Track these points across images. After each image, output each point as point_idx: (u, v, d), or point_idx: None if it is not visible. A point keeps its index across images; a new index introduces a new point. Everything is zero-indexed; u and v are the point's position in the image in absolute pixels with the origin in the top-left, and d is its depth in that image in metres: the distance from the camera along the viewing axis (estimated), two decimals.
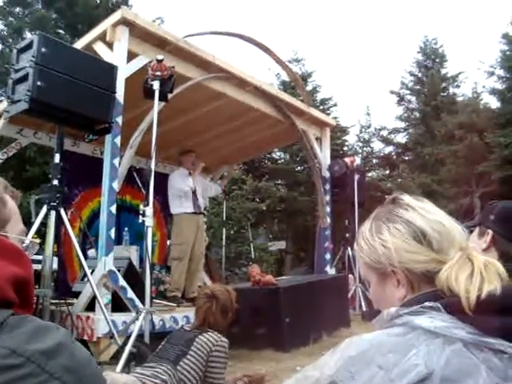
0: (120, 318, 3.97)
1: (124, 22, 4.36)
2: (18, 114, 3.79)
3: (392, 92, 23.19)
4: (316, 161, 6.99)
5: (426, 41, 22.88)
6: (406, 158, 21.73)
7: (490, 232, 1.58)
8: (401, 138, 23.06)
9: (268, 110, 6.11)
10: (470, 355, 0.73)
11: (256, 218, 16.37)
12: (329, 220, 6.83)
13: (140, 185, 4.59)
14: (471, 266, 0.81)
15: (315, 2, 73.40)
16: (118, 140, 4.24)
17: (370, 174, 20.37)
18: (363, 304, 7.12)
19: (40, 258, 3.78)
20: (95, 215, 5.80)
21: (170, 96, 4.02)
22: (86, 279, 4.11)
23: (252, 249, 12.34)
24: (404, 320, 0.80)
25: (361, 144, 23.05)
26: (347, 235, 8.02)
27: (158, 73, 3.73)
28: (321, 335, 4.63)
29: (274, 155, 19.73)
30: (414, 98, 22.85)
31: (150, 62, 3.94)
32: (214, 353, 2.45)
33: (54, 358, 0.58)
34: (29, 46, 3.60)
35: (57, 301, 4.09)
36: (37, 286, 3.42)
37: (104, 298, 3.95)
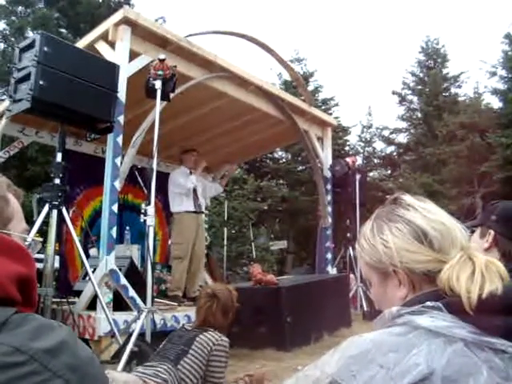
0: (121, 317, 3.98)
1: (126, 21, 4.37)
2: (20, 113, 3.79)
3: (394, 92, 23.14)
4: (317, 160, 6.99)
5: (427, 41, 22.83)
6: (408, 158, 21.67)
7: (492, 232, 1.58)
8: (402, 138, 23.04)
9: (270, 109, 6.12)
10: (471, 355, 0.73)
11: (257, 217, 16.38)
12: (330, 220, 6.83)
13: (142, 184, 4.58)
14: (472, 266, 0.81)
15: (317, 1, 73.38)
16: (119, 139, 4.24)
17: (371, 174, 20.34)
18: (364, 304, 7.11)
19: (42, 256, 3.79)
20: (97, 214, 5.81)
21: (171, 95, 4.02)
22: (87, 278, 4.12)
23: (253, 248, 12.33)
24: (405, 319, 0.80)
25: (362, 144, 23.01)
26: (348, 235, 8.01)
27: (160, 72, 3.74)
28: (322, 335, 4.63)
29: (275, 155, 19.72)
30: (415, 98, 22.80)
31: (152, 61, 3.94)
32: (214, 352, 2.45)
33: (57, 357, 0.58)
34: (31, 45, 3.61)
35: (58, 299, 4.10)
36: (38, 285, 3.42)
37: (105, 296, 3.95)
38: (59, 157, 3.78)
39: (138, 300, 4.01)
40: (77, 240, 3.92)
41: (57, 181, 3.73)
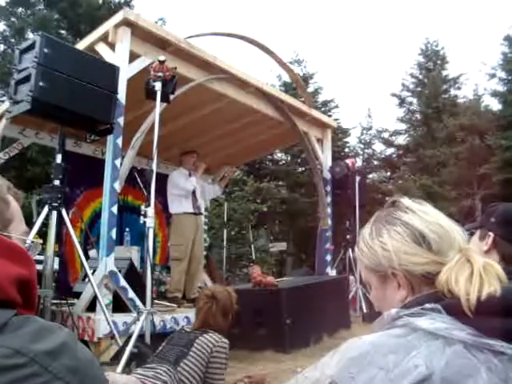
0: (121, 318, 3.97)
1: (126, 22, 4.37)
2: (20, 115, 3.80)
3: (393, 94, 23.17)
4: (317, 162, 6.99)
5: (427, 43, 22.86)
6: (407, 160, 21.67)
7: (491, 234, 1.57)
8: (402, 140, 23.04)
9: (269, 111, 6.12)
10: (470, 356, 0.74)
11: (257, 219, 16.37)
12: (330, 221, 6.83)
13: (141, 185, 4.58)
14: (470, 268, 0.81)
15: (317, 3, 73.46)
16: (119, 141, 4.24)
17: (370, 176, 20.34)
18: (364, 306, 7.11)
19: (41, 258, 3.78)
20: (97, 215, 5.81)
21: (171, 97, 4.02)
22: (87, 279, 4.11)
23: (253, 250, 12.33)
24: (404, 321, 0.80)
25: (362, 146, 23.03)
26: (348, 237, 8.02)
27: (160, 74, 3.74)
28: (321, 337, 4.63)
29: (275, 156, 19.72)
30: (415, 100, 22.81)
31: (152, 62, 3.95)
32: (214, 354, 2.45)
33: (58, 359, 0.58)
34: (31, 47, 3.61)
35: (58, 301, 4.10)
36: (38, 287, 3.42)
37: (105, 298, 3.95)
38: (59, 158, 3.78)
39: (138, 301, 4.01)
40: (76, 241, 3.92)
41: (56, 182, 3.73)
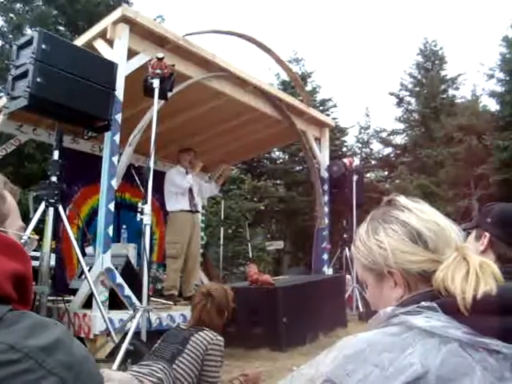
0: (117, 315, 3.97)
1: (124, 19, 4.36)
2: (18, 111, 3.79)
3: (391, 93, 23.19)
4: (315, 161, 7.00)
5: (425, 42, 22.88)
6: (405, 160, 21.70)
7: (487, 235, 1.57)
8: (400, 140, 23.09)
9: (267, 109, 6.12)
10: (465, 355, 0.74)
11: (254, 217, 16.36)
12: (327, 220, 6.83)
13: (138, 183, 4.58)
14: (467, 266, 0.81)
15: (316, 2, 73.44)
16: (117, 137, 4.24)
17: (368, 175, 20.39)
18: (360, 304, 7.13)
19: (38, 254, 3.78)
20: (94, 212, 5.79)
21: (169, 94, 4.02)
22: (83, 276, 4.11)
23: (250, 248, 12.33)
24: (400, 319, 0.80)
25: (360, 145, 23.07)
26: (345, 236, 8.04)
27: (158, 71, 3.74)
28: (317, 335, 4.64)
29: (272, 155, 19.73)
30: (413, 100, 22.85)
31: (150, 60, 3.94)
32: (209, 351, 2.45)
33: (53, 354, 0.58)
34: (29, 43, 3.60)
35: (54, 298, 4.09)
36: (34, 283, 3.41)
37: (101, 295, 3.95)
38: (56, 155, 3.78)
39: (134, 299, 4.01)
40: (73, 238, 3.91)
41: (53, 179, 3.73)
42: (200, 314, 2.62)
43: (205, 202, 7.90)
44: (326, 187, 6.95)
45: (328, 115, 15.35)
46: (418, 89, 22.50)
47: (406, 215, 0.91)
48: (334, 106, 20.71)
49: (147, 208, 3.58)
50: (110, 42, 4.42)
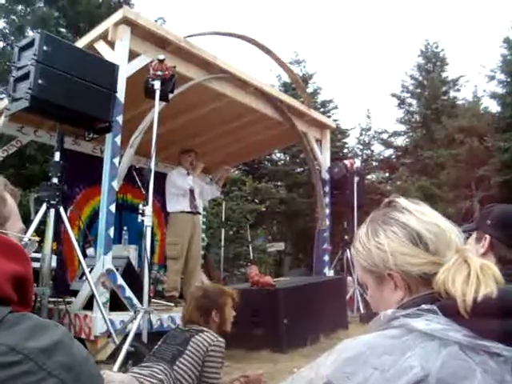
0: (118, 317, 3.97)
1: (126, 21, 4.37)
2: (19, 112, 3.79)
3: (393, 95, 23.17)
4: (316, 163, 6.99)
5: (426, 44, 22.86)
6: (406, 161, 21.68)
7: (488, 237, 1.55)
8: (401, 141, 23.07)
9: (268, 111, 6.12)
10: (465, 358, 0.74)
11: (255, 219, 16.36)
12: (328, 222, 6.83)
13: (140, 184, 4.58)
14: (468, 269, 0.81)
15: (317, 3, 73.49)
16: (118, 139, 4.24)
17: (369, 177, 20.38)
18: (361, 306, 7.12)
19: (39, 256, 3.78)
20: (96, 214, 5.79)
21: (170, 96, 4.02)
22: (84, 278, 4.11)
23: (251, 250, 12.33)
24: (401, 322, 0.80)
25: (361, 146, 23.05)
26: (346, 237, 8.02)
27: (159, 72, 3.74)
28: (318, 337, 4.63)
29: (273, 156, 19.73)
30: (414, 102, 22.82)
31: (152, 61, 3.95)
32: (210, 352, 2.44)
33: (53, 356, 0.58)
34: (30, 44, 3.60)
35: (55, 299, 4.09)
36: (35, 284, 3.42)
37: (102, 296, 3.95)
38: (57, 156, 3.78)
39: (135, 300, 4.00)
40: (74, 239, 3.91)
41: (55, 180, 3.73)
42: (185, 313, 2.67)
43: (206, 204, 7.90)
44: (326, 189, 6.94)
45: (329, 117, 15.36)
46: (419, 90, 22.48)
47: (406, 217, 0.91)
48: (335, 107, 20.75)
49: (148, 209, 3.58)
50: (112, 44, 4.42)
